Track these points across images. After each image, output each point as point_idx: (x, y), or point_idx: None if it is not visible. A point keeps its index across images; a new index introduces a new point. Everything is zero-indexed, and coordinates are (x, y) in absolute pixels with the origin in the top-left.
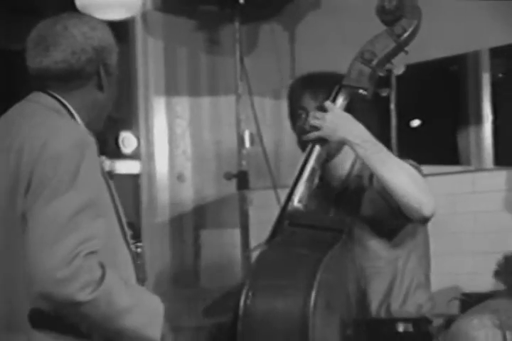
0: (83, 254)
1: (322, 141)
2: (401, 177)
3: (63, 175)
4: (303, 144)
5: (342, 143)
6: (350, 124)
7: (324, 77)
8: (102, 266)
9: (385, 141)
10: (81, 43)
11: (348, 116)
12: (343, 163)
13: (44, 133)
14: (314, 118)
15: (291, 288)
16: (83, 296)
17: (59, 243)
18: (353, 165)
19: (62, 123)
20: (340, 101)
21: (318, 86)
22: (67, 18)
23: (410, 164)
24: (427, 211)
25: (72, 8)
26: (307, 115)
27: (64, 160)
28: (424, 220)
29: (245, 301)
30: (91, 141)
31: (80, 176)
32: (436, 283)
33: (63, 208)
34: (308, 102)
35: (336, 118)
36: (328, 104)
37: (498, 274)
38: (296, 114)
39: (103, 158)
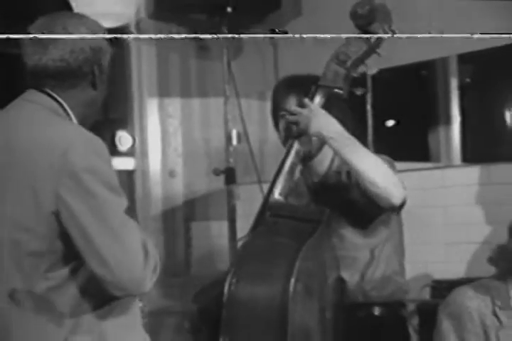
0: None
1: (300, 135)
2: (372, 169)
3: (98, 184)
4: (286, 143)
5: (319, 138)
6: (325, 119)
7: (304, 79)
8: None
9: (362, 139)
10: (79, 43)
11: (324, 112)
12: (324, 160)
13: (59, 142)
14: (292, 114)
15: (272, 275)
16: (151, 286)
17: (132, 249)
18: (332, 162)
19: (71, 129)
20: (318, 100)
21: (298, 88)
22: (66, 17)
23: (384, 159)
24: (395, 199)
25: None
26: (287, 113)
27: (92, 169)
28: (394, 208)
29: (229, 288)
30: (100, 142)
31: (111, 179)
32: (409, 270)
33: (115, 214)
34: (289, 104)
35: (312, 114)
36: (305, 100)
37: (491, 260)
38: (279, 114)
39: None
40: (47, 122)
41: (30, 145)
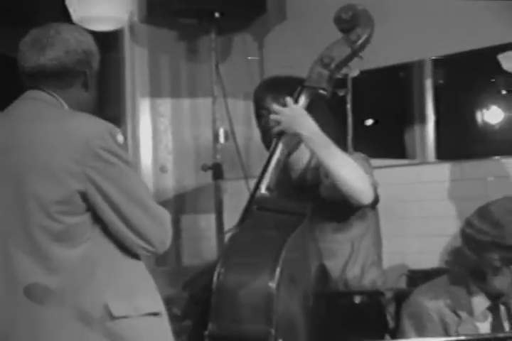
0: None
1: (281, 134)
2: (343, 169)
3: (119, 160)
4: (266, 140)
5: (297, 137)
6: (305, 120)
7: (284, 81)
8: None
9: (343, 137)
10: (73, 45)
11: (304, 113)
12: (302, 158)
13: (81, 131)
14: (274, 113)
15: (258, 265)
16: None
17: (160, 217)
18: (310, 159)
19: (90, 120)
20: (303, 100)
21: (278, 89)
22: (58, 25)
23: (360, 156)
24: (364, 199)
25: (69, 20)
26: (269, 114)
27: (112, 150)
28: (364, 206)
29: (218, 276)
30: (115, 128)
31: (128, 157)
32: (387, 261)
33: (139, 186)
34: (270, 103)
35: (292, 114)
36: (288, 100)
37: (447, 263)
38: (260, 113)
39: None
40: (64, 117)
41: (55, 137)
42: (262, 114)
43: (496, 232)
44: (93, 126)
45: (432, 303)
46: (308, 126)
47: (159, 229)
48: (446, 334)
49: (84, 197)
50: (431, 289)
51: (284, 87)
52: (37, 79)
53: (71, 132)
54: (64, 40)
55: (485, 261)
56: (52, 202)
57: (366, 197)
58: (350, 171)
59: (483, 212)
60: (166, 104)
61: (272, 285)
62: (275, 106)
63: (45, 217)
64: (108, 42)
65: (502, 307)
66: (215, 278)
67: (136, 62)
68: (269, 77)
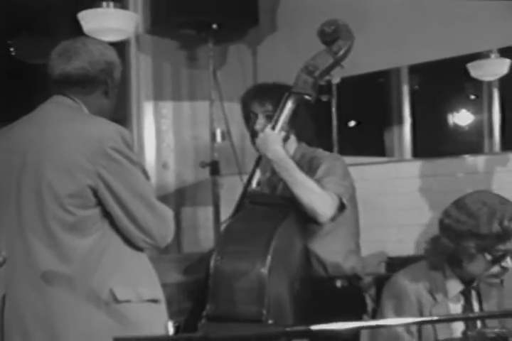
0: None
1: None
2: (303, 192)
3: (127, 160)
4: (255, 141)
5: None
6: (272, 144)
7: (270, 88)
8: None
9: (328, 138)
10: (97, 56)
11: (275, 138)
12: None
13: (95, 133)
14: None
15: (251, 252)
16: None
17: (163, 213)
18: (292, 158)
19: (103, 123)
20: (290, 104)
21: (264, 95)
22: (86, 38)
23: (334, 156)
24: (321, 217)
25: (80, 31)
26: (257, 118)
27: (120, 150)
28: (325, 222)
29: (215, 263)
30: (125, 131)
31: (135, 157)
32: (368, 249)
33: (143, 184)
34: (257, 108)
35: (264, 138)
36: (260, 121)
37: (426, 251)
38: (248, 117)
39: None
40: (82, 120)
41: (72, 137)
42: (250, 117)
43: (472, 222)
44: (105, 128)
45: (411, 285)
46: (274, 151)
47: (161, 225)
48: (421, 314)
49: (94, 192)
50: (411, 273)
51: (269, 93)
52: (62, 85)
53: (85, 133)
54: (88, 51)
55: (461, 249)
56: (66, 195)
57: (324, 216)
58: (309, 194)
59: (460, 204)
60: (167, 107)
61: (264, 270)
62: (258, 119)
63: (59, 209)
64: (116, 51)
65: (473, 292)
66: (211, 264)
67: (140, 69)
68: (256, 84)
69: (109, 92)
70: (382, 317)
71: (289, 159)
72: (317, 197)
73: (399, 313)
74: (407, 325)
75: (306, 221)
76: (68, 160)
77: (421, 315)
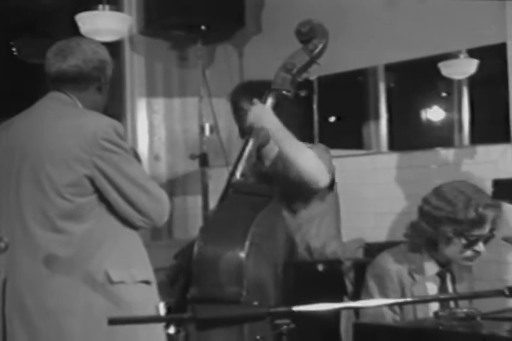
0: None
1: (251, 129)
2: (302, 157)
3: (120, 149)
4: (243, 135)
5: (265, 131)
6: (268, 116)
7: (256, 85)
8: None
9: (309, 132)
10: (90, 55)
11: (268, 111)
12: (273, 149)
13: (90, 126)
14: (244, 112)
15: (231, 238)
16: None
17: (158, 196)
18: (278, 153)
19: (97, 117)
20: (270, 100)
21: (251, 92)
22: (80, 38)
23: (321, 146)
24: (320, 182)
25: (77, 32)
26: (245, 114)
27: (114, 142)
28: (328, 188)
29: (198, 248)
30: (118, 123)
31: (128, 147)
32: (347, 235)
33: (138, 171)
34: (245, 104)
35: (258, 111)
36: (255, 100)
37: (406, 235)
38: (237, 113)
39: None
40: (77, 114)
41: (68, 130)
42: (238, 114)
43: (450, 209)
44: (99, 121)
45: (393, 266)
46: (271, 122)
47: (157, 205)
48: (403, 292)
49: (91, 180)
50: (392, 255)
51: (256, 89)
52: (58, 82)
53: (81, 126)
54: (82, 50)
55: (439, 233)
56: (64, 185)
57: (321, 181)
58: (307, 159)
59: (439, 193)
60: (159, 103)
61: (242, 255)
62: (249, 107)
63: (57, 197)
64: (111, 50)
65: (448, 274)
66: (195, 250)
67: (134, 68)
68: (243, 82)
69: (102, 88)
70: (368, 296)
71: (285, 128)
72: (316, 164)
73: (383, 292)
74: (383, 306)
75: (300, 200)
76: (65, 152)
77: (402, 293)
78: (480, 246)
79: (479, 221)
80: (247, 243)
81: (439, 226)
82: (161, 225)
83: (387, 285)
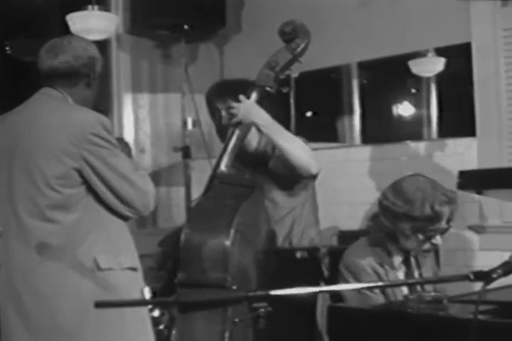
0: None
1: (238, 124)
2: (294, 147)
3: (107, 143)
4: (220, 133)
5: (252, 125)
6: (257, 111)
7: (231, 84)
8: None
9: (287, 126)
10: (80, 52)
11: (256, 106)
12: (252, 140)
13: (79, 121)
14: (231, 108)
15: (217, 226)
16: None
17: (142, 187)
18: (259, 142)
19: (85, 112)
20: (254, 96)
21: (225, 92)
22: (70, 36)
23: (301, 140)
24: (313, 169)
25: (68, 32)
26: (220, 113)
27: (101, 136)
28: (313, 176)
29: (185, 236)
30: (105, 118)
31: (114, 141)
32: (322, 224)
33: (124, 164)
34: (219, 104)
35: (247, 107)
36: (241, 97)
37: (368, 227)
38: (213, 112)
39: None
40: (67, 109)
41: (58, 125)
42: (214, 113)
43: (407, 207)
44: (87, 116)
45: (365, 261)
46: (261, 116)
47: (142, 196)
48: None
49: (79, 173)
50: (357, 251)
51: (230, 89)
52: (50, 78)
53: (70, 121)
54: (73, 47)
55: (398, 229)
56: (53, 177)
57: (314, 168)
58: (300, 149)
59: (396, 188)
60: (144, 98)
61: (228, 242)
62: (232, 103)
63: (47, 188)
64: (99, 48)
65: (412, 260)
66: (182, 237)
67: (120, 65)
68: (218, 82)
69: (92, 84)
70: (352, 292)
71: (274, 121)
72: (307, 152)
73: (360, 280)
74: (357, 290)
75: (286, 188)
76: (55, 146)
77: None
78: (437, 239)
79: (436, 217)
80: (232, 231)
81: (397, 222)
82: (146, 215)
83: (363, 278)
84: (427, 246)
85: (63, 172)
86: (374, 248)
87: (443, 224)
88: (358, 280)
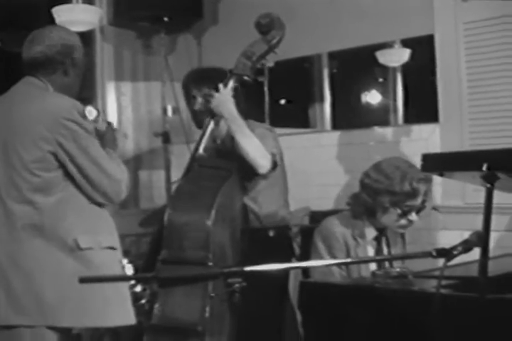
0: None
1: (212, 112)
2: (247, 145)
3: (82, 130)
4: (195, 119)
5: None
6: (228, 105)
7: (206, 72)
8: None
9: (261, 114)
10: (55, 40)
11: (228, 98)
12: (222, 129)
13: (54, 107)
14: (209, 96)
15: (198, 207)
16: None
17: (113, 174)
18: (228, 131)
19: (61, 99)
20: (231, 84)
21: (200, 79)
22: (53, 26)
23: (265, 126)
24: (261, 170)
25: (54, 24)
26: (195, 100)
27: (76, 121)
28: (263, 173)
29: (168, 216)
30: (79, 104)
31: (89, 127)
32: (295, 204)
33: (97, 149)
34: (195, 91)
35: (220, 98)
36: (220, 86)
37: (348, 204)
38: (189, 99)
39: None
40: (44, 96)
41: (34, 111)
42: (189, 100)
43: (388, 182)
44: (63, 103)
45: (339, 229)
46: (229, 111)
47: (113, 183)
48: (348, 253)
49: (55, 156)
50: (337, 220)
51: (205, 77)
52: (30, 67)
53: (46, 107)
54: (50, 37)
55: (377, 203)
56: (31, 161)
57: (262, 169)
58: (252, 147)
59: (377, 167)
60: (127, 86)
61: (209, 222)
62: (211, 92)
63: (26, 172)
64: (83, 40)
65: (383, 238)
66: (165, 217)
67: (104, 55)
68: (193, 70)
69: (69, 71)
70: (318, 256)
71: (239, 117)
72: (259, 151)
73: (331, 252)
74: (326, 267)
75: (246, 179)
76: (32, 131)
77: (348, 253)
78: (413, 216)
79: (413, 193)
80: (213, 211)
81: (377, 197)
82: (117, 202)
83: (335, 246)
84: (403, 221)
85: (40, 156)
86: (350, 220)
87: (419, 201)
88: (328, 246)
